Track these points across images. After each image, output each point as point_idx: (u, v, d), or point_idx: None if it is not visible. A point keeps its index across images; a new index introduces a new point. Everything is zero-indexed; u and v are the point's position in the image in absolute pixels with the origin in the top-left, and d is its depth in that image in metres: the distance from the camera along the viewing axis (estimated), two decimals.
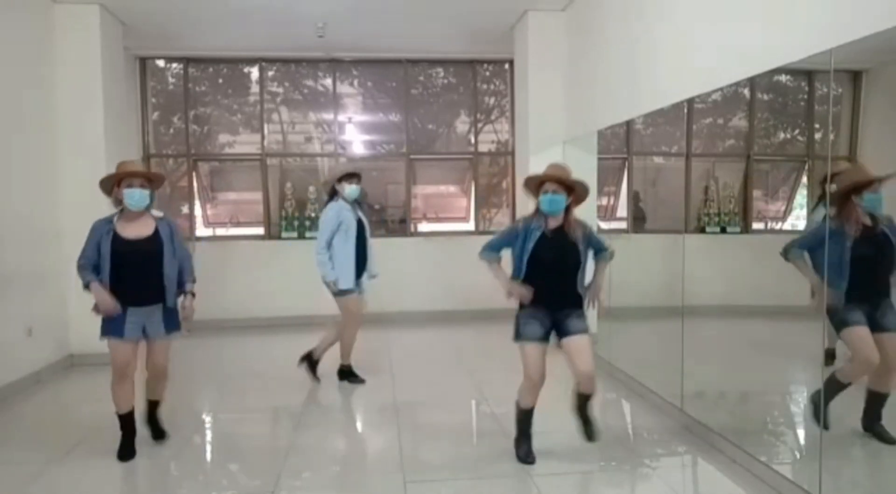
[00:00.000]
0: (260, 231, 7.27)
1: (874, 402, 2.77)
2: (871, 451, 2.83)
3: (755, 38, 3.12)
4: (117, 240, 3.16)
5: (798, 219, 3.67)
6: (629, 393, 4.33)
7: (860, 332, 2.71)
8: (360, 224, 4.57)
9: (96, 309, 3.16)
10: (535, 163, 5.72)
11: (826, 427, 2.68)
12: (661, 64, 4.07)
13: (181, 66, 7.17)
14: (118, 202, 3.24)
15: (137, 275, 3.17)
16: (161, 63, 7.29)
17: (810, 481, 2.64)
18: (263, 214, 7.23)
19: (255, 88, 7.32)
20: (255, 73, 7.29)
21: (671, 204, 4.38)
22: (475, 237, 7.42)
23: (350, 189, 4.48)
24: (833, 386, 2.86)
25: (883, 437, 2.73)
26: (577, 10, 5.50)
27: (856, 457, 2.89)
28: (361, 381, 4.68)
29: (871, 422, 2.76)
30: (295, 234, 7.13)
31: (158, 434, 3.51)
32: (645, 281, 4.49)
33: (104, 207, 5.28)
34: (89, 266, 3.15)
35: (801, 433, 3.26)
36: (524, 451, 3.21)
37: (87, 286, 3.15)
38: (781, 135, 3.90)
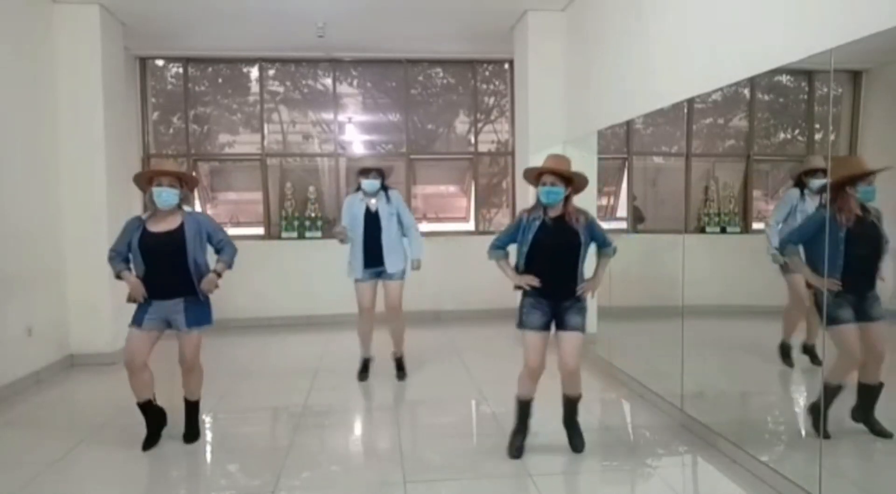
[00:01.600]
0: (260, 231, 7.27)
1: (866, 395, 2.79)
2: (871, 451, 2.83)
3: (755, 37, 3.12)
4: (145, 234, 3.31)
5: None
6: (629, 392, 4.33)
7: (848, 330, 2.74)
8: (374, 215, 4.61)
9: (131, 298, 3.33)
10: (535, 163, 5.71)
11: (827, 436, 2.69)
12: (661, 63, 4.08)
13: (181, 65, 7.17)
14: (152, 201, 3.34)
15: (161, 268, 3.29)
16: (161, 63, 7.29)
17: (810, 481, 2.64)
18: (263, 214, 7.23)
19: (254, 88, 7.32)
20: (254, 72, 7.29)
21: (671, 204, 4.38)
22: (475, 237, 7.43)
23: (365, 183, 4.60)
24: (830, 394, 2.87)
25: (875, 429, 2.75)
26: (576, 10, 5.50)
27: (856, 457, 2.88)
28: (363, 378, 4.77)
29: (865, 415, 2.77)
30: (295, 234, 7.13)
31: (189, 435, 3.51)
32: (645, 281, 4.49)
33: (104, 207, 5.37)
34: (119, 257, 3.34)
35: (801, 433, 3.25)
36: (515, 446, 3.26)
37: (118, 275, 3.34)
38: (781, 136, 3.89)
